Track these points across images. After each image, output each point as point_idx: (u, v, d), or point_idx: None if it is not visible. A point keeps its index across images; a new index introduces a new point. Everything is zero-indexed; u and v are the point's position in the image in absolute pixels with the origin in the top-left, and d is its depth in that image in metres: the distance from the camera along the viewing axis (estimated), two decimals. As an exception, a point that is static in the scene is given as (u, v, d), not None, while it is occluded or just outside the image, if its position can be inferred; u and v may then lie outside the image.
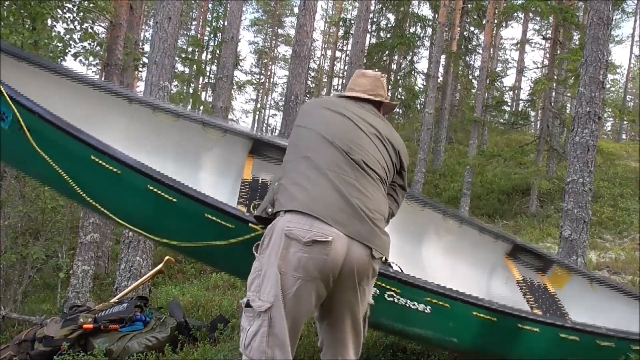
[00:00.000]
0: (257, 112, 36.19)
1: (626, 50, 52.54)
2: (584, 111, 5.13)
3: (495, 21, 15.21)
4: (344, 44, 29.47)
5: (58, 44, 7.30)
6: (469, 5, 18.11)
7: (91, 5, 8.01)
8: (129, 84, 9.84)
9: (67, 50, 7.42)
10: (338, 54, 31.98)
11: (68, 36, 7.45)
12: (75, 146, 2.24)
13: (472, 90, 21.98)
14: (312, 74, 29.65)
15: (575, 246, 4.93)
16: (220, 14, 21.48)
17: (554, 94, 15.20)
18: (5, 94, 2.19)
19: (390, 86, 21.86)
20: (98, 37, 8.53)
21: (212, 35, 22.07)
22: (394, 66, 23.64)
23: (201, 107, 22.65)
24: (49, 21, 7.37)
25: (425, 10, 30.29)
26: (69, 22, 7.57)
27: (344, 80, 25.47)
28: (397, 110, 21.96)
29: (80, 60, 7.95)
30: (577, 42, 14.20)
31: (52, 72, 2.86)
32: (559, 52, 14.44)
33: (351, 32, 17.81)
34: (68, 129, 2.23)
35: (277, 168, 2.14)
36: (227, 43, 12.36)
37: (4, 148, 2.38)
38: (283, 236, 1.83)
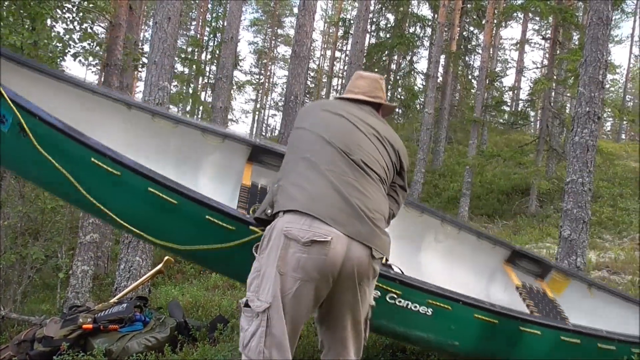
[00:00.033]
0: (257, 112, 36.22)
1: (626, 50, 52.54)
2: (583, 111, 5.13)
3: (495, 21, 15.21)
4: (344, 44, 29.49)
5: (57, 44, 7.29)
6: (468, 5, 18.11)
7: (91, 5, 8.00)
8: (128, 84, 9.83)
9: (66, 51, 7.41)
10: (337, 54, 32.05)
11: (67, 36, 7.43)
12: (75, 148, 2.24)
13: (472, 90, 21.98)
14: (312, 74, 29.64)
15: (575, 246, 4.93)
16: (219, 14, 21.48)
17: (553, 94, 15.20)
18: (5, 96, 2.20)
19: (389, 86, 21.87)
20: (97, 38, 8.51)
21: (211, 36, 22.07)
22: (393, 66, 23.67)
23: (201, 107, 22.68)
24: (49, 21, 7.36)
25: (425, 11, 30.38)
26: (69, 23, 7.56)
27: (344, 81, 25.49)
28: (397, 110, 21.97)
29: (80, 60, 7.93)
30: (576, 42, 14.20)
31: (52, 78, 2.88)
32: (558, 52, 14.44)
33: (351, 32, 17.80)
34: (68, 131, 2.24)
35: (276, 174, 2.15)
36: (226, 43, 12.37)
37: (3, 151, 2.38)
38: (282, 236, 1.83)
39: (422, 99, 19.50)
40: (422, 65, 56.48)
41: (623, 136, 30.10)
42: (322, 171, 1.93)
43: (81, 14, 7.73)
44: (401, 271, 2.58)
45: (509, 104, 23.52)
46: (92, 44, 8.09)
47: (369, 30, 19.64)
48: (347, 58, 24.64)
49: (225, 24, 14.36)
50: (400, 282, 2.45)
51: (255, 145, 3.31)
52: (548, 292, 3.55)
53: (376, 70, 20.62)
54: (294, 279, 1.80)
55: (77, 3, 7.76)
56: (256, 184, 3.14)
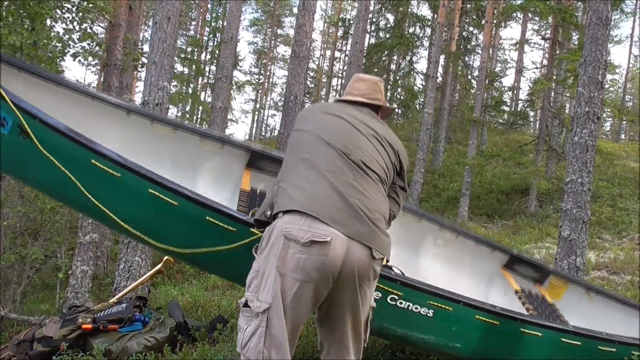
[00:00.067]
0: (257, 113, 36.20)
1: (625, 50, 52.63)
2: (582, 111, 5.13)
3: (494, 21, 15.22)
4: (343, 44, 29.51)
5: (57, 44, 7.28)
6: (468, 6, 18.11)
7: (90, 5, 8.00)
8: (128, 84, 9.82)
9: (66, 51, 7.41)
10: (337, 54, 32.07)
11: (67, 36, 7.43)
12: (75, 150, 2.24)
13: (471, 91, 21.98)
14: (312, 74, 29.63)
15: (574, 246, 4.93)
16: (219, 14, 21.45)
17: (553, 94, 15.20)
18: (6, 98, 2.21)
19: (389, 86, 21.88)
20: (97, 38, 8.50)
21: (211, 36, 22.04)
22: (393, 66, 23.69)
23: (200, 108, 22.67)
24: (48, 21, 7.35)
25: (425, 11, 30.44)
26: (68, 23, 7.56)
27: (343, 81, 25.50)
28: (397, 110, 21.99)
29: (80, 60, 7.94)
30: (576, 42, 14.21)
31: (52, 83, 2.89)
32: (558, 52, 14.45)
33: (350, 32, 17.81)
34: (68, 132, 2.24)
35: (274, 180, 2.16)
36: (226, 43, 12.36)
37: (3, 154, 2.37)
38: (282, 237, 1.83)
39: (422, 99, 19.50)
40: (421, 65, 56.51)
41: (622, 136, 30.12)
42: (322, 171, 1.93)
43: (81, 14, 7.72)
44: (401, 272, 2.58)
45: (508, 104, 23.54)
46: (91, 44, 8.09)
47: (369, 31, 19.66)
48: (346, 58, 24.64)
49: (225, 24, 14.35)
50: (401, 283, 2.44)
51: (254, 151, 3.32)
52: (547, 297, 3.56)
53: (376, 70, 20.66)
54: (294, 279, 1.80)
55: (76, 3, 7.76)
56: (255, 188, 3.15)
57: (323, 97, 30.99)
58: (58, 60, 7.34)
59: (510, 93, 26.18)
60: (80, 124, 2.78)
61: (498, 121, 21.31)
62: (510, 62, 29.35)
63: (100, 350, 3.45)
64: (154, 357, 3.50)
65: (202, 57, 24.35)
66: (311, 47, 19.40)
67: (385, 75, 22.05)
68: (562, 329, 2.77)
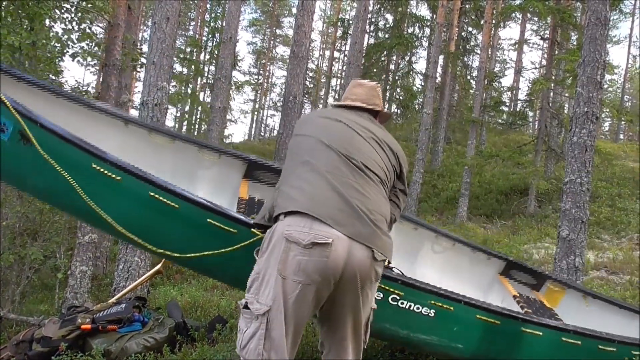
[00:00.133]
0: (256, 113, 36.22)
1: (624, 51, 52.62)
2: (581, 111, 5.14)
3: (493, 21, 15.22)
4: (342, 44, 29.51)
5: (56, 44, 7.28)
6: (467, 6, 18.12)
7: (89, 5, 7.98)
8: (127, 84, 9.82)
9: (65, 51, 7.40)
10: (336, 54, 32.07)
11: (66, 36, 7.42)
12: (76, 154, 2.24)
13: (470, 91, 21.99)
14: (311, 74, 29.64)
15: (573, 246, 4.94)
16: (218, 14, 21.43)
17: (551, 94, 15.21)
18: (7, 104, 2.21)
19: (388, 86, 21.89)
20: (96, 38, 8.47)
21: (210, 36, 22.00)
22: (392, 66, 23.67)
23: (199, 108, 22.66)
24: (47, 21, 7.34)
25: (424, 11, 30.50)
26: (67, 23, 7.55)
27: (342, 81, 25.50)
28: (396, 110, 22.00)
29: (78, 60, 7.93)
30: (574, 43, 14.21)
31: (50, 93, 2.90)
32: (556, 52, 14.46)
33: (349, 32, 17.81)
34: (68, 137, 2.24)
35: (272, 190, 2.17)
36: (225, 43, 12.36)
37: (3, 160, 2.37)
38: (283, 240, 1.83)
39: (421, 99, 19.51)
40: (420, 65, 56.59)
41: (621, 136, 30.15)
42: (322, 173, 1.93)
43: (80, 14, 7.71)
44: (402, 273, 2.58)
45: (507, 104, 23.54)
46: (90, 44, 8.08)
47: (368, 31, 19.65)
48: (345, 58, 24.61)
49: (224, 24, 14.33)
50: (402, 283, 2.45)
51: (251, 161, 3.34)
52: (545, 302, 3.58)
53: (375, 70, 20.67)
54: (296, 282, 1.80)
55: (75, 3, 7.75)
56: (253, 197, 3.17)
57: (322, 97, 31.00)
58: (57, 60, 7.34)
59: (509, 93, 26.19)
60: (79, 133, 2.81)
61: (497, 121, 21.32)
62: (509, 63, 29.40)
63: (100, 350, 3.45)
64: (153, 357, 3.50)
65: (201, 57, 24.33)
66: (310, 47, 19.39)
67: (384, 76, 22.07)
68: (562, 329, 2.77)
